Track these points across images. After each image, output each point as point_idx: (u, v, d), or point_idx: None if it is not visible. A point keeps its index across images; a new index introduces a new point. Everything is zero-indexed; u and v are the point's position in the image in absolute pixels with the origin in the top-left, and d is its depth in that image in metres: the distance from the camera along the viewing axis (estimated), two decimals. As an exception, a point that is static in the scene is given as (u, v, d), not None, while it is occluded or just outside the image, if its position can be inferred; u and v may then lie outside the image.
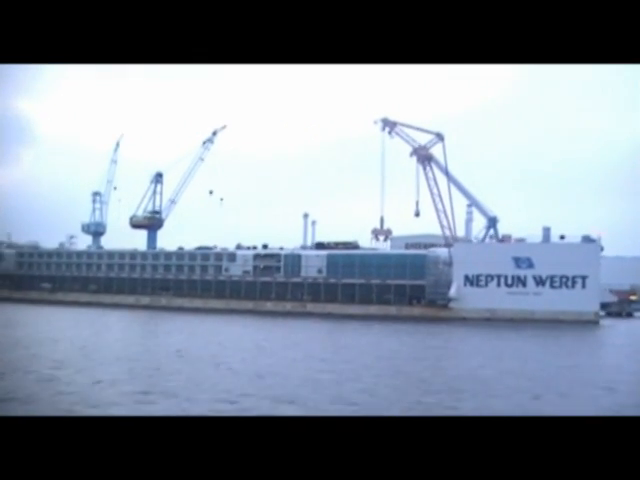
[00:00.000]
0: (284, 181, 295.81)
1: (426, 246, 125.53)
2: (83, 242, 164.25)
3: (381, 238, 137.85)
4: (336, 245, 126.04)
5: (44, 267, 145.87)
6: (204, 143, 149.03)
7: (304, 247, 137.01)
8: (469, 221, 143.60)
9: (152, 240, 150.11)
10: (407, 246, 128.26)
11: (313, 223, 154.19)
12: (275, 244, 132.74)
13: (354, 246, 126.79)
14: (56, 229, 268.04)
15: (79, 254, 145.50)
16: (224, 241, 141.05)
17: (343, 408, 23.05)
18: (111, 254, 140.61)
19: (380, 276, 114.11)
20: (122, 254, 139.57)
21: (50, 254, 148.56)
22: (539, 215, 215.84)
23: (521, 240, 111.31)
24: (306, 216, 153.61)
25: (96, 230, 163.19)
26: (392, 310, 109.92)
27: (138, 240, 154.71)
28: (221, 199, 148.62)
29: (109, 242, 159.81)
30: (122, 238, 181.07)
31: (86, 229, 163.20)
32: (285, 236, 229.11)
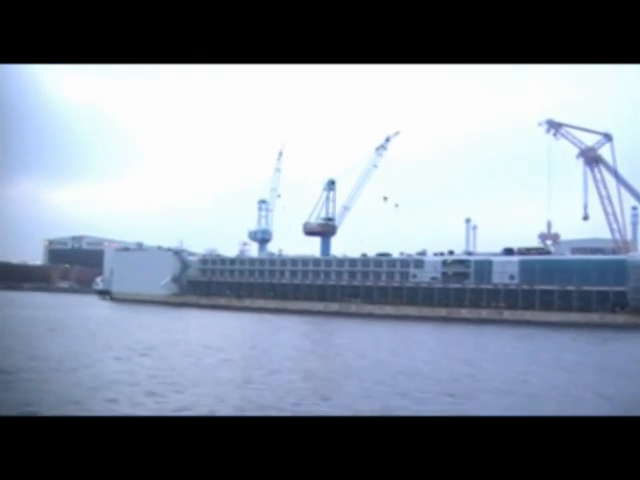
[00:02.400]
0: (446, 186, 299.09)
1: (592, 250, 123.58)
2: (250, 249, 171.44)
3: (549, 242, 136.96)
4: (527, 251, 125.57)
5: (227, 274, 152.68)
6: (377, 150, 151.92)
7: (467, 252, 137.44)
8: (635, 224, 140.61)
9: (326, 247, 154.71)
10: (573, 251, 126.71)
11: (474, 228, 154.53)
12: (437, 249, 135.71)
13: (546, 251, 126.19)
14: (221, 236, 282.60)
15: (261, 261, 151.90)
16: (393, 247, 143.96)
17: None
18: (294, 261, 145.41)
19: (577, 282, 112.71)
20: (305, 261, 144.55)
21: (233, 261, 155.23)
22: None
23: None
24: (468, 221, 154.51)
25: (263, 237, 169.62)
26: (595, 317, 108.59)
27: (308, 247, 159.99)
28: (396, 205, 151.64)
29: (274, 249, 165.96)
30: (287, 245, 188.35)
31: (253, 236, 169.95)
32: (447, 241, 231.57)
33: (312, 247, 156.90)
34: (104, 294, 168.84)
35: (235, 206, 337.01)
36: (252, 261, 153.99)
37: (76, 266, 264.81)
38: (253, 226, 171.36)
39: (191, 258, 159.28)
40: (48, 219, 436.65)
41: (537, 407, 26.41)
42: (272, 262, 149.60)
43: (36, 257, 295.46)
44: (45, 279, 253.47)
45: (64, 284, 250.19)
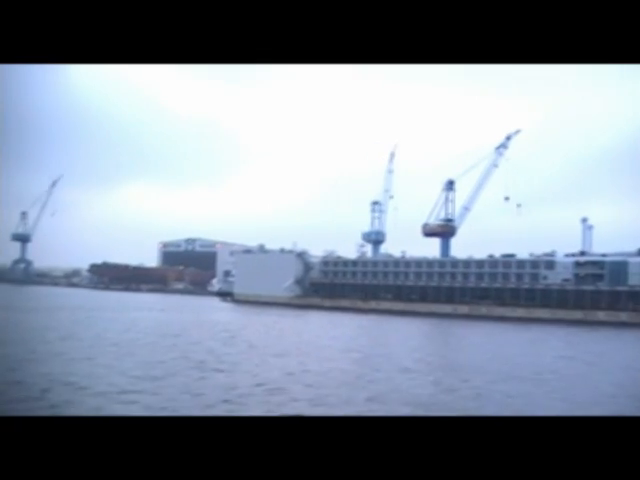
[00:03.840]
0: (559, 185, 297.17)
1: None
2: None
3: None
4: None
5: (349, 275, 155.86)
6: (497, 149, 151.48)
7: (583, 253, 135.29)
8: None
9: (445, 248, 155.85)
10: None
11: (590, 228, 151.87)
12: (552, 249, 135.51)
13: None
14: (332, 237, 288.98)
15: (385, 262, 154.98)
16: (510, 247, 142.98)
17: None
18: (419, 262, 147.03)
19: None
20: (430, 262, 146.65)
21: (355, 262, 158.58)
22: None
23: None
24: (584, 220, 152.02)
25: (377, 238, 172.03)
26: None
27: (424, 248, 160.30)
28: (518, 205, 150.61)
29: (393, 251, 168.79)
30: (402, 246, 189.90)
31: (367, 237, 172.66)
32: (562, 241, 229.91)
33: (428, 248, 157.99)
34: (225, 296, 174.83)
35: (347, 207, 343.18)
36: (375, 262, 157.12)
37: (190, 268, 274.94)
38: (366, 227, 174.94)
39: (314, 260, 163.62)
40: (162, 223, 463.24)
41: None
42: (396, 263, 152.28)
43: (151, 259, 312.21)
44: (161, 280, 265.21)
45: (179, 285, 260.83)
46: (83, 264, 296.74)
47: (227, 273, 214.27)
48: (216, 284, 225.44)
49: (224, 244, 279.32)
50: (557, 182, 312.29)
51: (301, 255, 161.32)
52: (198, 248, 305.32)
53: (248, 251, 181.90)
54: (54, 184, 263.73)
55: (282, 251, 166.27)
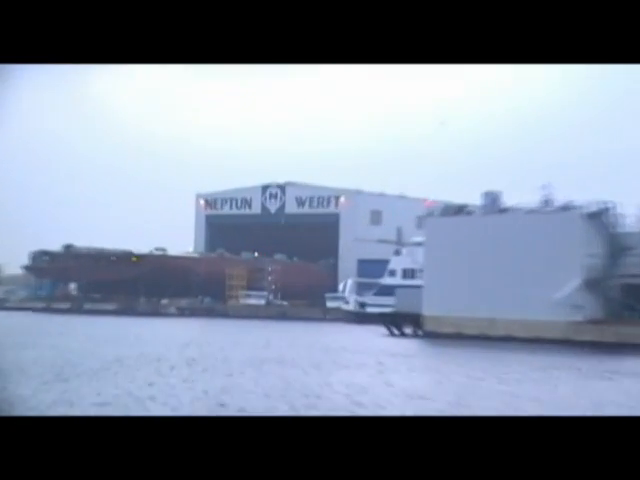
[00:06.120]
0: None
1: None
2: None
3: None
4: None
5: None
6: None
7: None
8: None
9: None
10: None
11: None
12: None
13: None
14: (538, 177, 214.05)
15: None
16: None
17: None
18: None
19: None
20: None
21: None
22: None
23: None
24: None
25: None
26: None
27: None
28: None
29: None
30: None
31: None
32: None
33: None
34: (395, 322, 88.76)
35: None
36: None
37: (277, 255, 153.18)
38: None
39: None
40: (199, 150, 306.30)
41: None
42: None
43: (182, 238, 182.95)
44: (208, 285, 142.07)
45: (252, 300, 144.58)
46: (9, 257, 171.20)
47: (368, 263, 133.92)
48: (349, 293, 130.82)
49: (354, 194, 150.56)
50: None
51: (598, 216, 76.31)
52: (289, 209, 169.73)
53: (456, 208, 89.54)
54: None
55: (542, 208, 78.27)
